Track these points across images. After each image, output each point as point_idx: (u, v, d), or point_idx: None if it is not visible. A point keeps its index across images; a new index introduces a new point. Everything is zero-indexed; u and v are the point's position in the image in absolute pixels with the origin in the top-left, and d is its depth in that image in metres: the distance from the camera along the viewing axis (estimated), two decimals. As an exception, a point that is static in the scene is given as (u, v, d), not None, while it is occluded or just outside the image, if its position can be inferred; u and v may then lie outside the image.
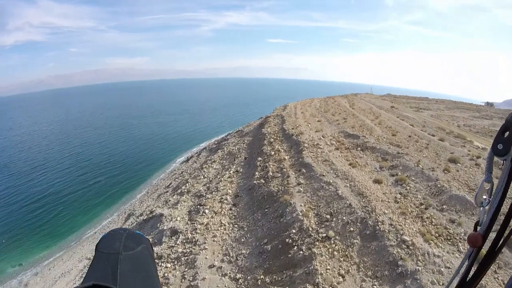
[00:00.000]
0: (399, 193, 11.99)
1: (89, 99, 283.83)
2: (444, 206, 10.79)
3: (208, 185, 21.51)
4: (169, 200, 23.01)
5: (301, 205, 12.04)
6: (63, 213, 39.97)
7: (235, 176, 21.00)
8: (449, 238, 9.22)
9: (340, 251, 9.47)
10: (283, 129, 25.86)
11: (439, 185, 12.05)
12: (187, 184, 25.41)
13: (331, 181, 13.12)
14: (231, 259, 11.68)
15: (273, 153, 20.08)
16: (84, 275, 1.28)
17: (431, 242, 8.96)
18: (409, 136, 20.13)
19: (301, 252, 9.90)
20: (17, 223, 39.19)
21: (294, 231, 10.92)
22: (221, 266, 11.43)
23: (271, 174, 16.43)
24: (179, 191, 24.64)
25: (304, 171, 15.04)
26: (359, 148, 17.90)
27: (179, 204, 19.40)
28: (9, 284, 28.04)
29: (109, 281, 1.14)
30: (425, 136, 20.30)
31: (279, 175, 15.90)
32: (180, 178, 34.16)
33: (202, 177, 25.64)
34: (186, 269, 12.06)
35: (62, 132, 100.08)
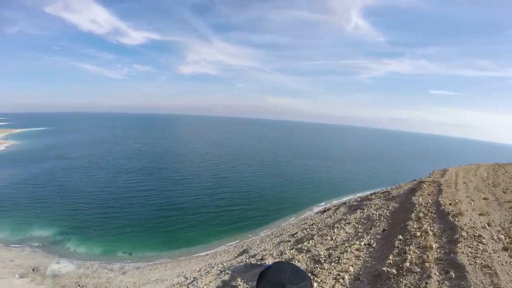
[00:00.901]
0: None
1: (248, 130, 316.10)
2: None
3: (331, 251, 18.89)
4: (285, 253, 21.33)
5: (436, 332, 8.40)
6: (188, 228, 43.70)
7: (364, 250, 17.73)
8: None
9: None
10: (437, 203, 20.97)
11: None
12: (310, 241, 23.31)
13: (489, 304, 8.91)
14: None
15: (418, 234, 16.03)
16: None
17: None
18: None
19: None
20: (146, 220, 45.09)
21: None
22: None
23: (407, 264, 12.78)
24: (299, 246, 22.74)
25: (453, 275, 10.92)
26: (538, 255, 12.28)
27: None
28: (112, 265, 31.82)
29: None
30: None
31: (418, 270, 12.12)
32: (308, 230, 32.14)
33: (329, 238, 23.07)
34: None
35: (215, 154, 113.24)
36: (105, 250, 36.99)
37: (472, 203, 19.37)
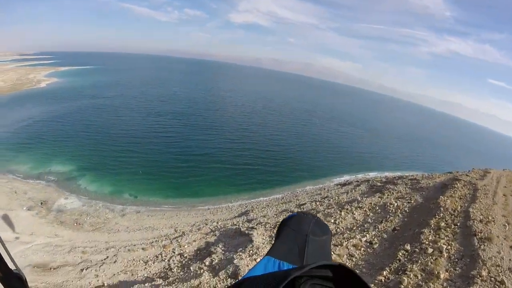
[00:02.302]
0: None
1: (291, 86, 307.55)
2: None
3: (326, 240, 16.64)
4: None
5: None
6: (200, 180, 43.15)
7: (362, 249, 15.41)
8: None
9: None
10: (466, 214, 17.56)
11: None
12: (312, 220, 21.22)
13: None
14: None
15: (430, 250, 13.27)
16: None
17: None
18: None
19: None
20: (161, 167, 45.16)
21: None
22: None
23: (401, 289, 10.39)
24: (297, 222, 20.82)
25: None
26: None
27: (278, 244, 15.59)
28: (114, 206, 32.37)
29: (296, 257, 1.25)
30: None
31: (410, 304, 9.71)
32: (317, 203, 30.02)
33: (332, 221, 20.89)
34: None
35: (250, 107, 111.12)
36: (113, 191, 37.72)
37: (507, 227, 15.86)
